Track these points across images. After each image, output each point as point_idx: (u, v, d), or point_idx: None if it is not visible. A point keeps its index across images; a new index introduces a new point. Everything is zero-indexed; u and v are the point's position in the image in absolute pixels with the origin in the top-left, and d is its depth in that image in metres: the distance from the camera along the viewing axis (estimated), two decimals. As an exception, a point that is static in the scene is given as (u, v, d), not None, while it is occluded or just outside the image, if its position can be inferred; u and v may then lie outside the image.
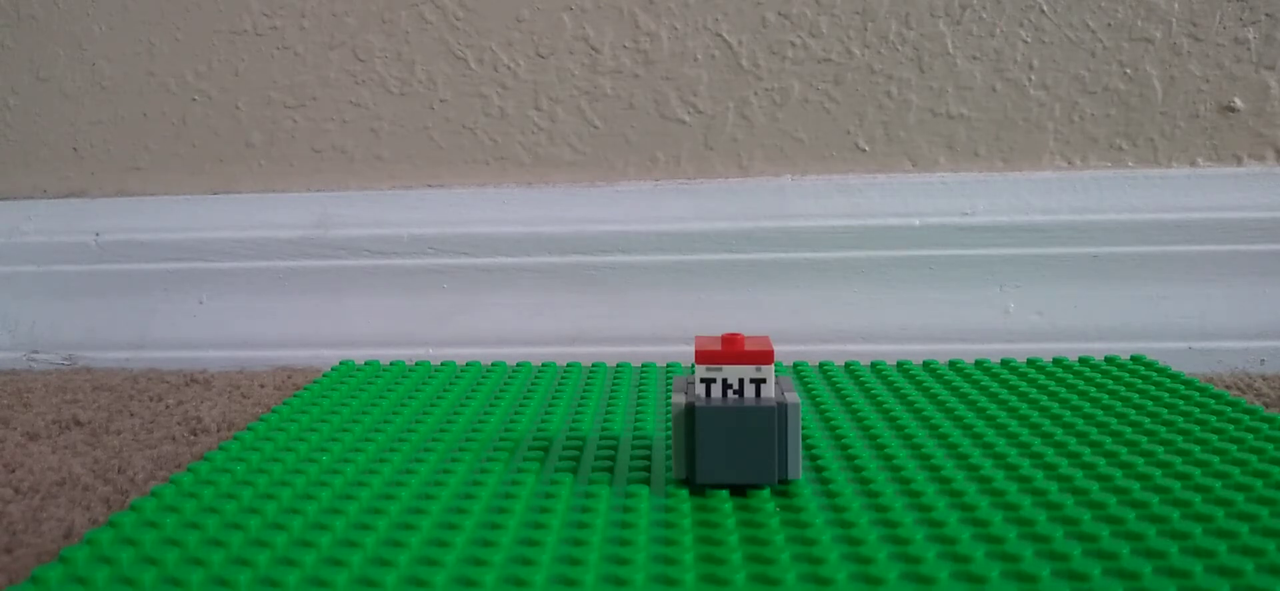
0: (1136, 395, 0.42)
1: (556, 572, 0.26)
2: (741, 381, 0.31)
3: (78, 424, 0.45)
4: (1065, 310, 0.54)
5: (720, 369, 0.31)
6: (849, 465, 0.34)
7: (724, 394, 0.31)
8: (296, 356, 0.57)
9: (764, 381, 0.31)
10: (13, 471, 0.38)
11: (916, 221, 0.55)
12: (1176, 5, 0.54)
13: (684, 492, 0.31)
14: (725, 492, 0.31)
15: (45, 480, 0.36)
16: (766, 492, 0.31)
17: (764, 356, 0.31)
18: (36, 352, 0.60)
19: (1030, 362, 0.48)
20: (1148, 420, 0.38)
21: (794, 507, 0.30)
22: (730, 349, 0.31)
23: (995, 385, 0.44)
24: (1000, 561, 0.26)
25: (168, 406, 0.48)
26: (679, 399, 0.31)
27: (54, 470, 0.38)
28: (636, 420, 0.40)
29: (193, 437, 0.42)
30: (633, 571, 0.26)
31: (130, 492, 0.35)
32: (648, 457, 0.35)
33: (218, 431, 0.43)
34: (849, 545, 0.27)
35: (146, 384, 0.52)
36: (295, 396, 0.45)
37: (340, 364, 0.51)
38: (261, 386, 0.51)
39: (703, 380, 0.31)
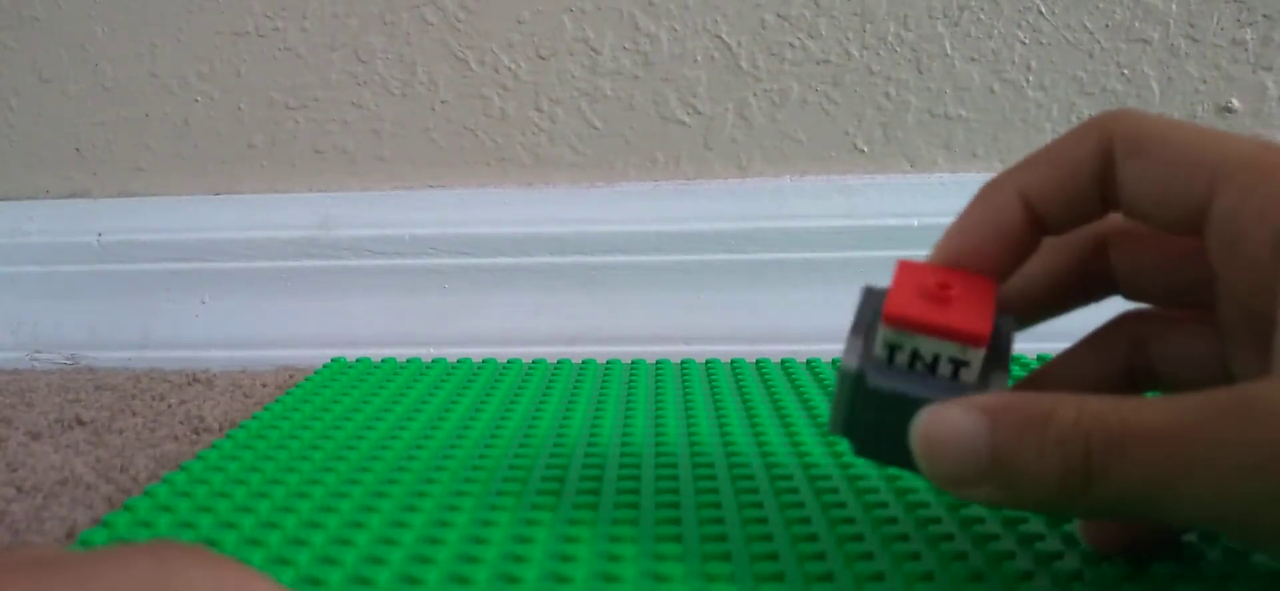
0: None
1: (548, 568, 0.26)
2: (937, 359, 0.23)
3: (80, 423, 0.45)
4: (1063, 310, 0.54)
5: (913, 339, 0.23)
6: (835, 461, 0.34)
7: (913, 363, 0.23)
8: (299, 356, 0.58)
9: (967, 365, 0.23)
10: (15, 470, 0.38)
11: (915, 222, 0.55)
12: (1174, 6, 0.54)
13: (680, 469, 0.32)
14: (717, 488, 0.31)
15: (47, 479, 0.37)
16: (767, 490, 0.31)
17: (973, 336, 0.22)
18: (39, 352, 0.60)
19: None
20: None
21: (794, 505, 0.30)
22: (929, 313, 0.23)
23: (991, 385, 0.44)
24: (996, 560, 0.26)
25: (170, 406, 0.48)
26: (850, 360, 0.24)
27: (56, 469, 0.38)
28: (627, 415, 0.40)
29: (195, 437, 0.43)
30: (624, 567, 0.26)
31: (133, 491, 0.36)
32: (642, 454, 0.35)
33: (220, 430, 0.43)
34: (853, 542, 0.27)
35: (149, 383, 0.53)
36: (287, 393, 0.45)
37: (332, 361, 0.52)
38: (263, 386, 0.51)
39: (889, 345, 0.23)
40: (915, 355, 0.23)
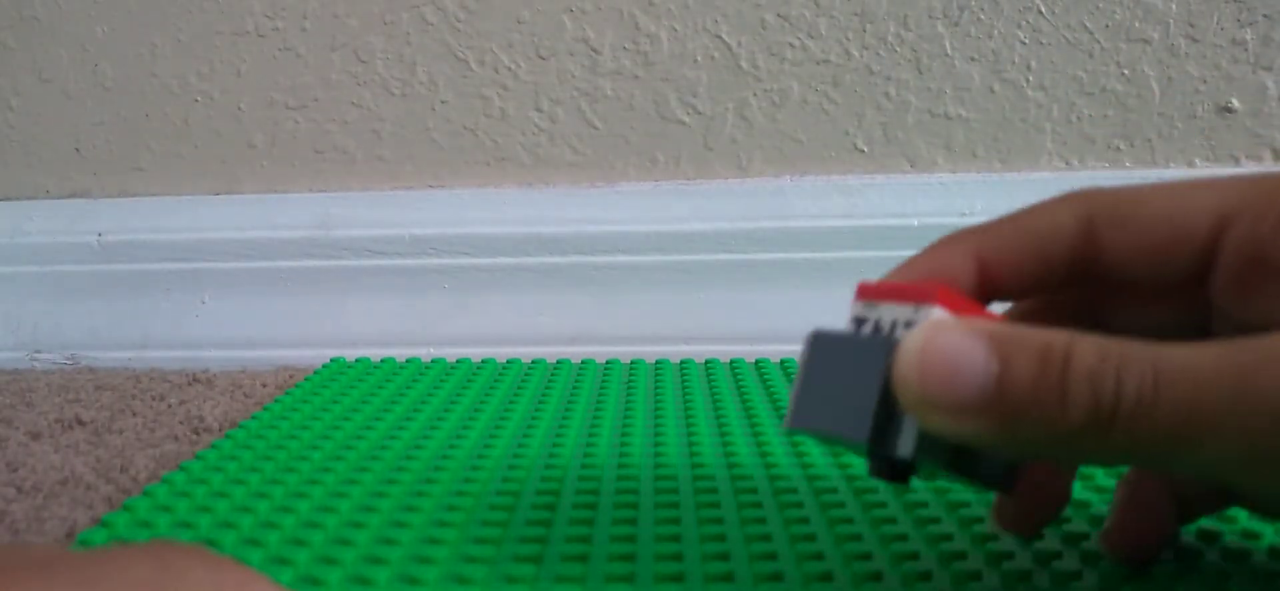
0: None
1: (548, 569, 0.26)
2: (894, 324, 0.22)
3: (80, 423, 0.45)
4: (1063, 310, 0.54)
5: (876, 307, 0.23)
6: (834, 461, 0.34)
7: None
8: (299, 356, 0.58)
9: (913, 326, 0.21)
10: (15, 470, 0.38)
11: (915, 222, 0.55)
12: (1174, 6, 0.54)
13: (679, 469, 0.31)
14: (716, 487, 0.31)
15: (48, 479, 0.37)
16: (765, 493, 0.31)
17: (925, 291, 0.21)
18: (39, 352, 0.60)
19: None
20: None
21: (793, 505, 0.30)
22: (892, 283, 0.23)
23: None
24: (995, 559, 0.26)
25: (170, 406, 0.48)
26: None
27: (56, 469, 0.38)
28: (626, 415, 0.40)
29: (195, 437, 0.43)
30: (623, 567, 0.26)
31: (133, 491, 0.36)
32: (641, 454, 0.35)
33: (220, 430, 0.43)
34: (850, 542, 0.28)
35: (149, 383, 0.53)
36: (287, 393, 0.45)
37: (331, 361, 0.52)
38: (263, 386, 0.52)
39: (856, 319, 0.23)
40: (876, 328, 0.22)
